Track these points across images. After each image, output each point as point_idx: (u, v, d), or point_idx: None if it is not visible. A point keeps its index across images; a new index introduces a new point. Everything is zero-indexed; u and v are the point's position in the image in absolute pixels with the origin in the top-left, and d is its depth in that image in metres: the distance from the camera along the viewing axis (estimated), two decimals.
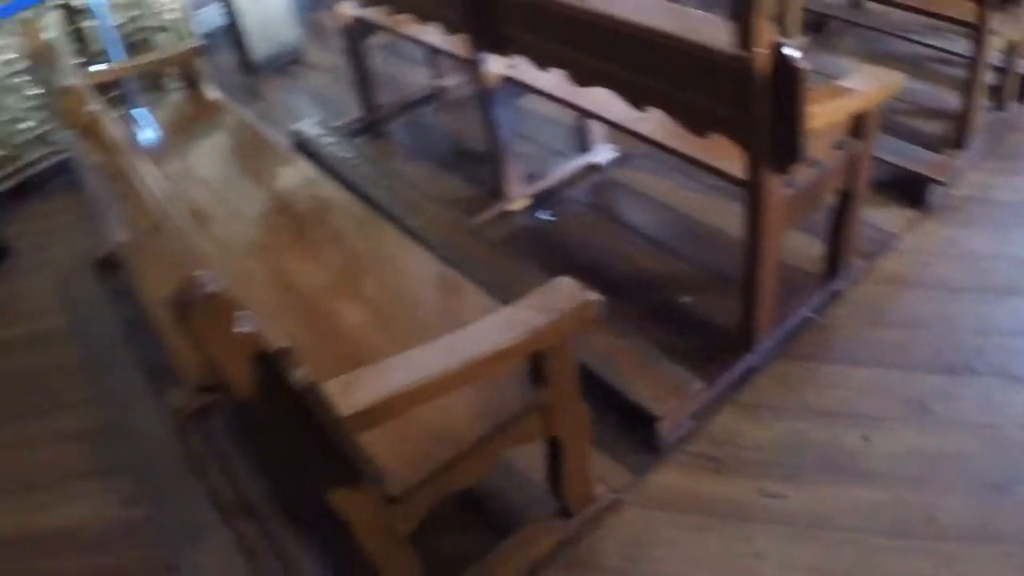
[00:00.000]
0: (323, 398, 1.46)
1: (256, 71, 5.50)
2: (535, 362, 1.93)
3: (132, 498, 2.79)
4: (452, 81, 4.70)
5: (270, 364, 1.40)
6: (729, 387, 2.71)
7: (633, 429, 2.57)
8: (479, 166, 3.94)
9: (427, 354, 1.66)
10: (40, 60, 3.49)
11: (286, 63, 5.57)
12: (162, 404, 3.06)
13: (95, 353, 3.48)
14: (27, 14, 4.55)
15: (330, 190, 2.92)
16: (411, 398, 1.59)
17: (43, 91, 4.65)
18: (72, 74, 3.03)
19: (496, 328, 1.75)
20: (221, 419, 2.96)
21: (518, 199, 3.64)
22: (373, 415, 1.55)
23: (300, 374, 1.42)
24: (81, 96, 2.59)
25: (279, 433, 1.59)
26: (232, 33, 5.55)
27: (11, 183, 4.80)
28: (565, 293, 1.86)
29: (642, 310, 3.03)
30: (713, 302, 3.02)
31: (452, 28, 3.42)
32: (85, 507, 2.82)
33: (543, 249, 3.40)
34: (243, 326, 1.36)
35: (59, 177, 4.88)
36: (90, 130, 2.58)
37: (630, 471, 2.50)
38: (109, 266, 3.88)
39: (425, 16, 3.59)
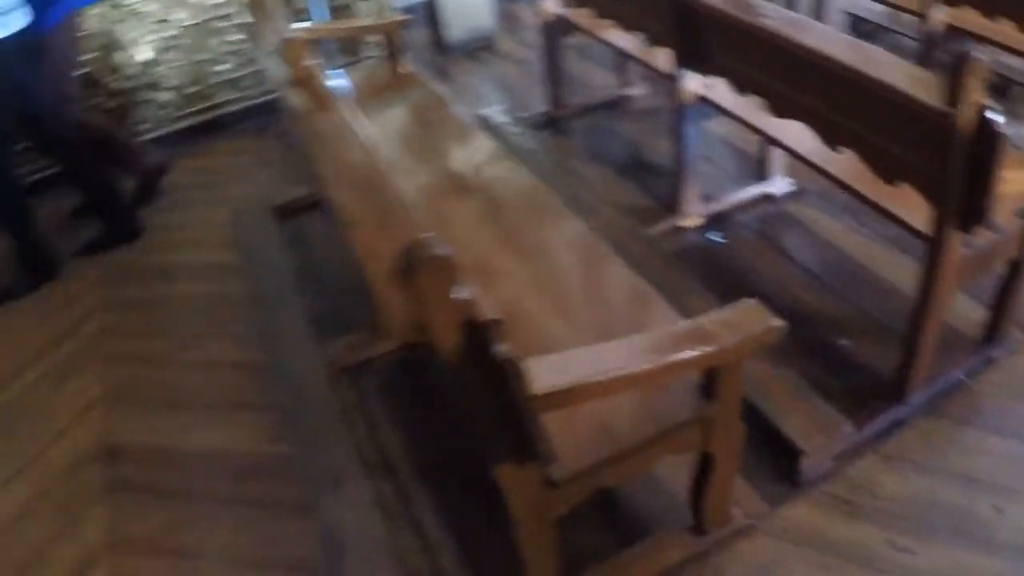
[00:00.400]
0: (521, 373, 1.57)
1: (447, 52, 5.70)
2: (708, 376, 2.00)
3: (278, 436, 2.98)
4: (638, 91, 4.79)
5: (478, 333, 1.52)
6: (875, 435, 2.72)
7: (775, 459, 2.61)
8: (656, 178, 4.02)
9: (617, 350, 1.76)
10: (256, 10, 3.70)
11: (477, 48, 5.75)
12: (321, 353, 3.24)
13: (263, 293, 3.69)
14: None
15: (522, 175, 3.03)
16: (599, 389, 1.69)
17: (249, 39, 4.94)
18: (287, 28, 3.23)
19: (685, 338, 1.84)
20: (375, 378, 3.12)
21: (692, 216, 3.71)
22: (561, 398, 1.66)
23: (504, 347, 1.54)
24: (301, 49, 2.77)
25: (469, 398, 1.71)
26: (430, 11, 5.75)
27: (199, 119, 5.12)
28: (752, 315, 1.92)
29: (799, 344, 3.06)
30: (869, 348, 3.03)
31: (654, 40, 3.50)
32: (230, 436, 3.03)
33: (710, 269, 3.46)
34: (461, 292, 1.48)
35: (245, 121, 5.19)
36: (305, 82, 2.76)
37: (765, 499, 2.54)
38: (289, 212, 4.09)
39: (629, 25, 3.69)
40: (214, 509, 2.77)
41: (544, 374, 1.63)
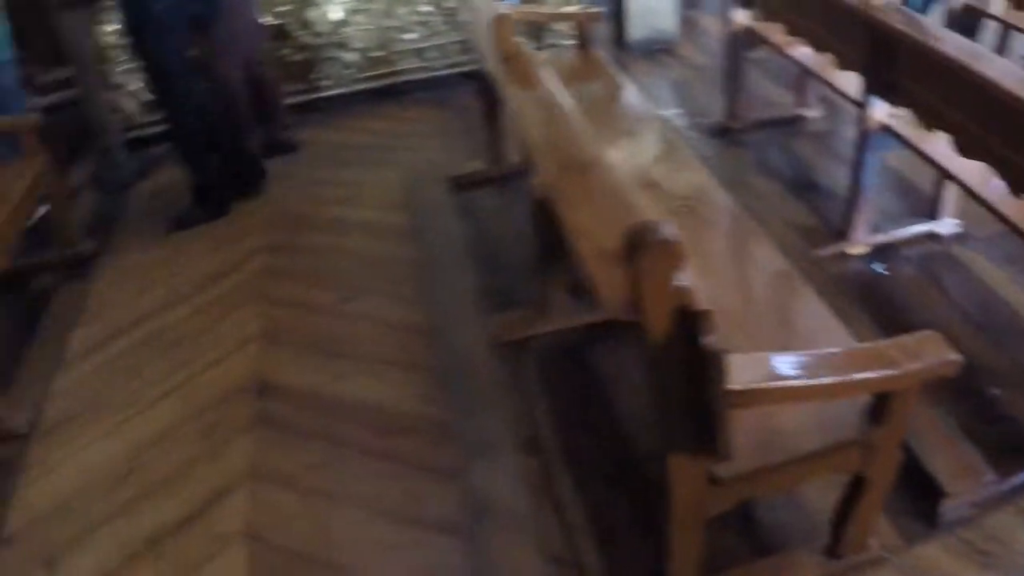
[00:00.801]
0: (723, 367, 1.60)
1: (627, 49, 5.73)
2: (879, 400, 2.00)
3: (431, 398, 3.04)
4: (815, 112, 4.74)
5: (690, 321, 1.56)
6: (1017, 488, 2.67)
7: (915, 496, 2.56)
8: (826, 200, 3.98)
9: (808, 359, 1.78)
10: None
11: (657, 50, 5.77)
12: (484, 324, 3.32)
13: (431, 258, 3.79)
14: None
15: (704, 177, 3.05)
16: (792, 393, 1.71)
17: (441, 12, 5.07)
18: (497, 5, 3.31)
19: (869, 358, 1.84)
20: (534, 357, 3.17)
21: (859, 245, 3.67)
22: (753, 397, 1.69)
23: (712, 339, 1.57)
24: (511, 25, 2.84)
25: (660, 383, 1.74)
26: (615, 8, 5.79)
27: (379, 83, 5.27)
28: (932, 345, 1.91)
29: (950, 386, 2.97)
30: (1020, 401, 2.97)
31: (844, 64, 3.47)
32: (383, 391, 3.10)
33: (870, 298, 3.42)
34: (680, 279, 1.52)
35: (425, 91, 5.31)
36: (514, 58, 2.83)
37: (901, 535, 2.49)
38: (464, 185, 4.19)
39: (819, 45, 3.67)
40: (359, 458, 2.84)
41: (743, 371, 1.66)
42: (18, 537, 2.64)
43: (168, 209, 4.32)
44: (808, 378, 1.74)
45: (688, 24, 6.11)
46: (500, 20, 2.88)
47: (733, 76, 4.59)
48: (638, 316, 1.59)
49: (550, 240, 2.68)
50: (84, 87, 4.54)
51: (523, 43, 2.84)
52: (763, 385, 1.69)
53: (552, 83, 2.61)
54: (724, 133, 4.65)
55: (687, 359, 1.62)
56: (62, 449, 2.95)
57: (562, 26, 5.20)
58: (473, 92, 4.52)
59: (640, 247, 1.50)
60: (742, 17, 4.35)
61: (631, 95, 3.70)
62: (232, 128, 4.26)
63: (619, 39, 5.80)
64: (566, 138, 2.30)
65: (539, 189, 2.63)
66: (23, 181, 3.62)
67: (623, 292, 1.59)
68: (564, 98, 2.50)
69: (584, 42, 4.05)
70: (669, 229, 1.49)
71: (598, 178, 1.99)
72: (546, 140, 2.37)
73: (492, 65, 3.03)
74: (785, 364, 1.76)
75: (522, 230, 3.53)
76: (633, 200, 1.79)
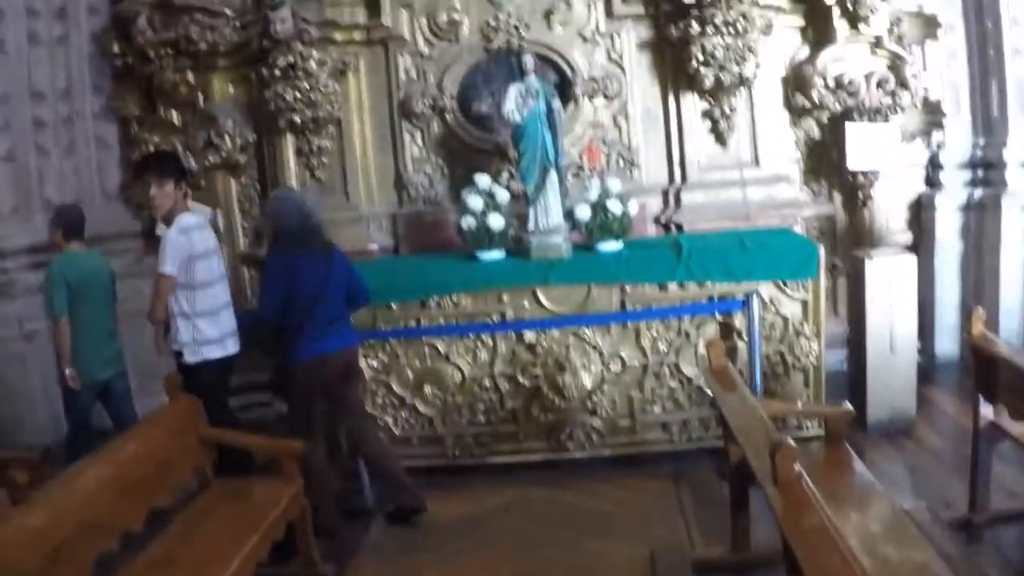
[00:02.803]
0: None
1: (866, 429, 5.77)
2: None
3: None
4: None
5: None
6: None
7: None
8: None
9: None
10: (720, 381, 4.04)
11: (896, 431, 5.79)
12: None
13: None
14: (712, 335, 5.27)
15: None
16: None
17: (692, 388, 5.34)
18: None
19: None
20: None
21: None
22: None
23: None
24: (793, 457, 2.98)
25: None
26: (852, 383, 5.95)
27: (619, 451, 5.61)
28: None
29: None
30: None
31: None
32: None
33: None
34: None
35: (664, 462, 5.53)
36: (790, 486, 2.95)
37: None
38: (710, 569, 4.26)
39: None
40: None
41: None
42: None
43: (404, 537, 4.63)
44: None
45: (924, 401, 6.14)
46: (783, 453, 2.98)
47: (978, 469, 4.55)
48: None
49: None
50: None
51: (804, 475, 2.96)
52: None
53: (824, 511, 2.73)
54: (966, 527, 4.55)
55: None
56: None
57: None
58: (714, 469, 4.67)
59: None
60: (988, 412, 4.39)
61: (884, 494, 3.74)
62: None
63: (858, 420, 5.86)
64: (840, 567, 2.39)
65: None
66: (277, 506, 4.00)
67: None
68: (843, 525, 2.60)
69: (833, 437, 4.17)
70: None
71: None
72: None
73: (758, 469, 3.17)
74: None
75: None
76: None
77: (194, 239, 4.88)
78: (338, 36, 6.63)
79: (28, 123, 6.54)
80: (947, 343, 6.89)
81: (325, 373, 4.82)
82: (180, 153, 6.57)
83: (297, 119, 6.48)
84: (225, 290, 5.14)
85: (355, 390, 5.17)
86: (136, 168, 5.74)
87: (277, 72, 6.35)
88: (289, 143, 6.74)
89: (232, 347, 5.06)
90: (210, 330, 4.91)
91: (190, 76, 6.75)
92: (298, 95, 6.39)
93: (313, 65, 6.39)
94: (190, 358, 4.87)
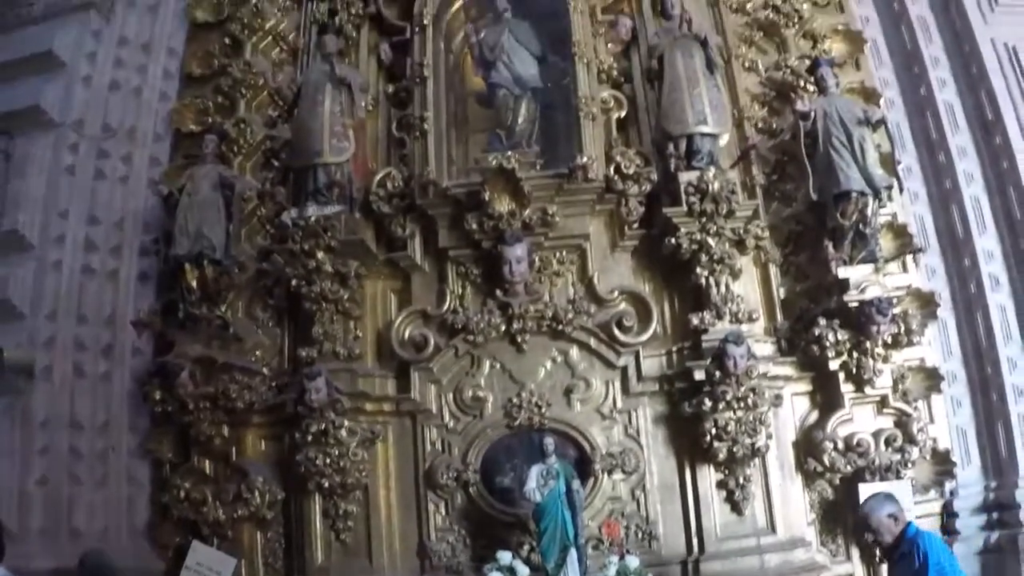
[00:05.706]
0: None
1: None
2: None
3: None
4: None
5: None
6: None
7: None
8: None
9: None
10: None
11: None
12: None
13: None
14: None
15: None
16: None
17: None
18: None
19: None
20: None
21: None
22: None
23: None
24: None
25: None
26: None
27: None
28: None
29: None
30: None
31: None
32: None
33: None
34: None
35: None
36: None
37: None
38: None
39: None
40: None
41: None
42: None
43: None
44: None
45: None
46: None
47: None
48: None
49: None
50: None
51: None
52: None
53: None
54: None
55: None
56: None
57: None
58: None
59: None
60: None
61: None
62: None
63: None
64: None
65: None
66: None
67: None
68: None
69: None
70: None
71: None
72: None
73: None
74: None
75: None
76: None
77: None
78: (369, 407, 6.97)
79: (65, 451, 6.84)
80: None
81: None
82: (209, 502, 6.81)
83: (325, 483, 6.68)
84: None
85: None
86: None
87: (309, 437, 6.62)
88: (317, 504, 6.90)
89: None
90: None
91: (225, 430, 7.05)
92: (328, 461, 6.62)
93: (344, 434, 6.67)
94: None
